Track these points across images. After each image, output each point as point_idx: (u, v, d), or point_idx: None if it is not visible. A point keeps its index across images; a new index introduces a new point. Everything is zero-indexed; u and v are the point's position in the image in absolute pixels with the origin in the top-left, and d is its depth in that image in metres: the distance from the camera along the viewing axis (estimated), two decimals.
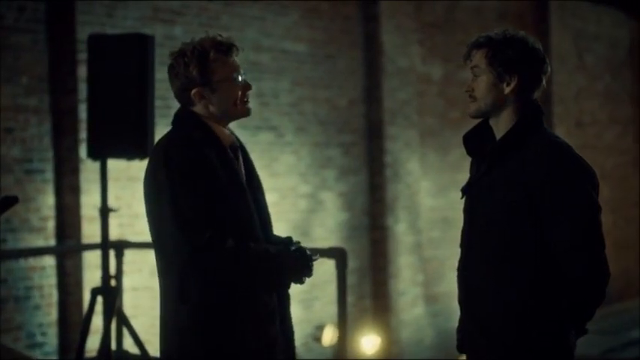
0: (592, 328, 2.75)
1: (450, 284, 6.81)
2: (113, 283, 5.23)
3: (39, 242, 6.10)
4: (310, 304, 7.66)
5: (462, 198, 2.81)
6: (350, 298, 6.40)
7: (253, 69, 7.11)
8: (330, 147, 8.15)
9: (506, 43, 2.68)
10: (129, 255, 5.80)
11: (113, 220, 5.36)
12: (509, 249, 2.64)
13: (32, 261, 6.08)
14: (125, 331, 5.33)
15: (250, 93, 2.90)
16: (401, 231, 8.51)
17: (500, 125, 2.72)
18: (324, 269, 5.01)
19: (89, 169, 6.02)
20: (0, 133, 5.93)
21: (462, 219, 2.80)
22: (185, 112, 2.87)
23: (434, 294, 8.87)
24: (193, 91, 2.82)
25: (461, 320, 2.82)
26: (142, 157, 4.93)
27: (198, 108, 2.84)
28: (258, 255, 2.73)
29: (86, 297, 5.65)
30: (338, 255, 5.22)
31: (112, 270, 5.31)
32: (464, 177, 2.89)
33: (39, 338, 6.10)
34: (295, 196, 7.79)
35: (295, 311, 2.98)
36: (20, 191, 5.88)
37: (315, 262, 2.85)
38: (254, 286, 2.76)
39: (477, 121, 2.81)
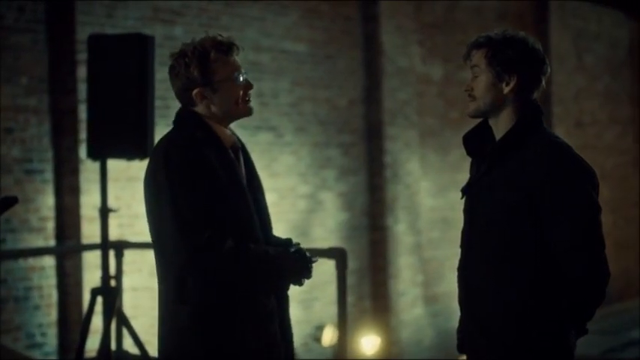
0: (592, 328, 2.75)
1: (449, 284, 6.82)
2: (113, 283, 5.23)
3: (39, 242, 6.10)
4: (310, 304, 7.66)
5: (461, 198, 2.81)
6: (350, 299, 6.39)
7: (253, 69, 7.08)
8: (330, 147, 8.15)
9: (506, 43, 2.68)
10: (129, 255, 5.79)
11: (113, 221, 5.35)
12: (509, 249, 2.64)
13: (32, 261, 6.08)
14: (125, 332, 5.32)
15: (251, 92, 2.89)
16: (401, 231, 8.51)
17: (500, 125, 2.72)
18: (324, 269, 5.00)
19: (89, 170, 6.02)
20: (0, 133, 5.93)
21: (461, 219, 2.80)
22: (187, 112, 2.86)
23: (434, 294, 8.87)
24: (195, 92, 2.81)
25: (461, 320, 2.82)
26: (141, 157, 4.93)
27: (200, 108, 2.84)
28: (257, 256, 2.73)
29: (86, 297, 5.65)
30: (338, 255, 5.22)
31: (112, 270, 5.30)
32: (464, 177, 2.89)
33: (39, 338, 6.09)
34: (295, 196, 7.79)
35: (295, 311, 2.98)
36: (20, 191, 5.88)
37: (314, 264, 2.86)
38: (253, 287, 2.76)
39: (476, 122, 2.81)
